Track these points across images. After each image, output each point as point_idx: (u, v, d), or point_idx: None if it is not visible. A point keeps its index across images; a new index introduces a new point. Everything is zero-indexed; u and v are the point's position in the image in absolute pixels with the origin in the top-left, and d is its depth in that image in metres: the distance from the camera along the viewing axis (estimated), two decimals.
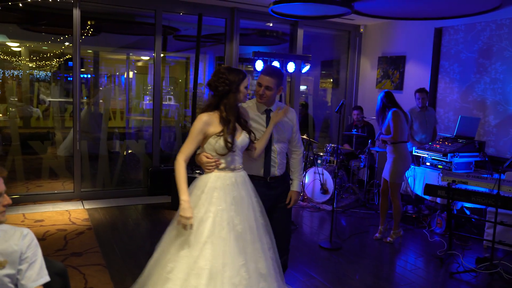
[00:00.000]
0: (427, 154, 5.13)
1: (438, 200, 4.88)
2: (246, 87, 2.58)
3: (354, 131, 6.34)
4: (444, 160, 4.89)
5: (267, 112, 2.90)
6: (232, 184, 2.55)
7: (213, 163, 2.55)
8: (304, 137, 6.22)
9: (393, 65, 6.80)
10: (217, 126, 2.52)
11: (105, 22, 7.65)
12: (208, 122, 2.51)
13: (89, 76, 8.87)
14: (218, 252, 2.36)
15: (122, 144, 7.40)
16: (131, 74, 9.52)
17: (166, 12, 6.08)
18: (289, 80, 7.14)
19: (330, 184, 5.92)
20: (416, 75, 6.45)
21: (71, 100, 8.20)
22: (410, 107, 5.57)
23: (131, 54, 9.38)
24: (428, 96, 5.60)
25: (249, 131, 2.67)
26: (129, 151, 7.14)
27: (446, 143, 5.18)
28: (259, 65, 5.81)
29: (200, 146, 2.60)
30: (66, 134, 6.85)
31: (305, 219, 5.53)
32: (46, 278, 1.86)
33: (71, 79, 9.31)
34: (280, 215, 2.98)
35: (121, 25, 7.87)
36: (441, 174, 4.32)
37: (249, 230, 2.52)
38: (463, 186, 4.19)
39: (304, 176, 6.20)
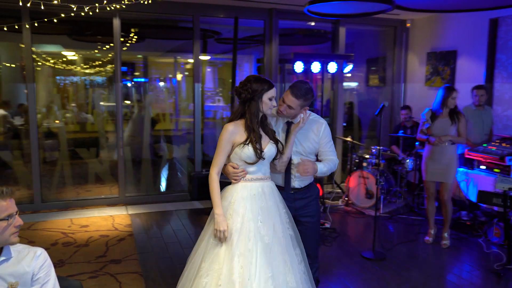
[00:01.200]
0: (482, 157, 4.73)
1: (495, 207, 4.49)
2: (270, 99, 2.48)
3: (401, 132, 6.00)
4: (501, 163, 4.48)
5: (288, 124, 2.75)
6: (259, 194, 2.49)
7: (240, 173, 2.49)
8: (348, 139, 5.98)
9: (443, 61, 6.37)
10: (242, 134, 2.48)
11: (149, 28, 7.80)
12: (234, 131, 2.47)
13: (140, 80, 9.10)
14: (245, 263, 2.30)
15: (166, 148, 7.50)
16: (179, 77, 9.67)
17: (204, 16, 6.06)
18: (330, 78, 6.90)
19: (376, 189, 5.64)
20: (468, 70, 6.00)
21: (126, 103, 8.48)
22: (462, 105, 5.16)
23: (178, 57, 9.54)
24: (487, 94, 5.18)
25: (277, 141, 2.59)
26: (173, 156, 7.24)
27: (504, 144, 4.76)
28: (298, 66, 5.65)
29: None
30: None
31: (348, 225, 5.30)
32: None
33: (125, 83, 9.68)
34: (303, 229, 2.78)
35: (165, 30, 7.99)
36: (496, 180, 3.95)
37: (277, 241, 2.43)
38: None
39: (348, 179, 5.96)
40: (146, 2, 3.97)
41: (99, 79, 8.99)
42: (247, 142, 2.45)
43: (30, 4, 3.46)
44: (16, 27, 5.00)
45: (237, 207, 2.44)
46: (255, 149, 2.43)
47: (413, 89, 7.07)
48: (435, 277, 3.86)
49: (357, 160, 6.14)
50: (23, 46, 7.86)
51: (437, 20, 6.49)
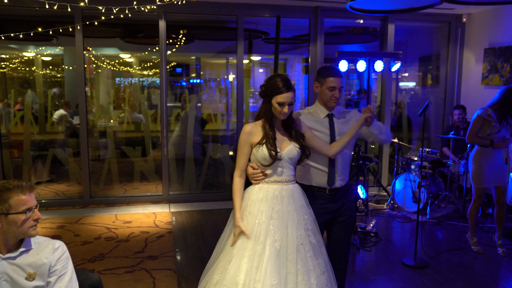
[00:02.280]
0: None
1: None
2: (279, 103, 2.35)
3: (451, 133, 5.66)
4: None
5: (329, 117, 2.70)
6: (276, 197, 2.40)
7: (259, 174, 2.43)
8: (395, 140, 5.73)
9: (502, 57, 5.93)
10: (259, 135, 2.41)
11: (196, 29, 7.95)
12: (251, 132, 2.42)
13: (193, 81, 9.31)
14: (251, 266, 2.24)
15: (212, 148, 7.60)
16: (231, 77, 9.78)
17: (247, 16, 6.06)
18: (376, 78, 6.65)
19: (423, 192, 5.36)
20: None
21: (178, 104, 8.73)
22: None
23: (230, 58, 9.65)
24: None
25: (301, 144, 2.47)
26: (219, 156, 7.32)
27: None
28: (343, 65, 5.49)
29: None
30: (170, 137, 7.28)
31: (393, 230, 5.07)
32: None
33: (178, 84, 9.97)
34: (337, 229, 2.72)
35: (213, 31, 8.09)
36: None
37: (291, 248, 2.33)
38: None
39: (394, 182, 5.71)
40: (183, 2, 4.02)
41: (152, 79, 9.33)
42: (262, 143, 2.39)
43: (82, 10, 3.62)
44: (70, 29, 5.26)
45: (252, 209, 2.38)
46: (268, 150, 2.36)
47: (468, 88, 6.64)
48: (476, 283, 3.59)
49: (404, 162, 5.87)
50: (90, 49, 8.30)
51: (496, 14, 6.05)
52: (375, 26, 6.90)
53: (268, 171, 2.42)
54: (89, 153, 5.87)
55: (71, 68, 8.07)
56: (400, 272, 3.85)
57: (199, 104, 8.50)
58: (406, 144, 5.92)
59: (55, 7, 3.99)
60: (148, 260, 4.04)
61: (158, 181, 6.53)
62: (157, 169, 6.75)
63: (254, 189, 2.43)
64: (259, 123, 2.44)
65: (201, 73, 10.07)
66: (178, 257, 4.13)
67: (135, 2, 4.57)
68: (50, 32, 5.06)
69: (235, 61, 6.03)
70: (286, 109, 2.36)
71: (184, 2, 4.27)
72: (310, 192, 2.62)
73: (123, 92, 9.20)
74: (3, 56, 8.15)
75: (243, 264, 2.24)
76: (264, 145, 2.37)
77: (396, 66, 5.77)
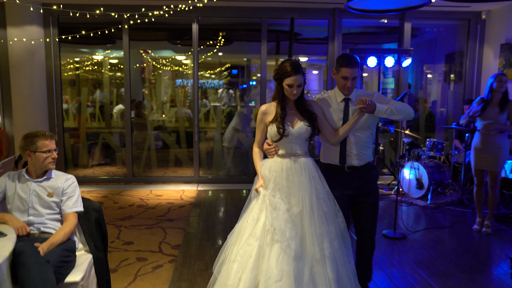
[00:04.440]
0: None
1: None
2: (289, 85, 2.62)
3: (454, 124, 5.95)
4: None
5: (346, 101, 2.87)
6: (287, 169, 2.68)
7: (272, 149, 2.74)
8: (407, 132, 6.12)
9: None
10: (273, 114, 2.72)
11: (235, 32, 8.73)
12: (266, 112, 2.75)
13: (253, 83, 10.11)
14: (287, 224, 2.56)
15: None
16: None
17: (271, 18, 6.77)
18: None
19: (425, 179, 5.73)
20: None
21: (233, 104, 9.61)
22: None
23: (281, 59, 10.37)
24: None
25: (312, 123, 2.74)
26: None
27: None
28: (371, 61, 5.97)
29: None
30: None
31: (391, 211, 5.50)
32: (79, 209, 2.73)
33: (238, 84, 10.84)
34: (359, 208, 2.96)
35: (249, 33, 8.84)
36: None
37: (304, 214, 2.60)
38: None
39: (401, 170, 6.10)
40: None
41: (214, 81, 10.31)
42: (273, 121, 2.71)
43: (128, 16, 4.55)
44: (119, 26, 6.27)
45: (265, 178, 2.68)
46: (277, 127, 2.66)
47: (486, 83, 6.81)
48: (444, 256, 3.98)
49: (415, 153, 6.25)
50: (141, 51, 9.42)
51: None
52: (396, 25, 7.29)
53: (281, 147, 2.74)
54: (144, 143, 6.94)
55: (134, 67, 9.19)
56: (378, 242, 4.33)
57: (252, 103, 9.25)
58: (415, 135, 6.27)
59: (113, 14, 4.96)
60: (166, 221, 4.88)
61: (200, 167, 7.38)
62: (202, 157, 7.61)
63: (268, 162, 2.75)
64: (274, 103, 2.74)
65: (250, 73, 10.75)
66: (191, 221, 4.93)
67: (172, 6, 5.47)
68: (106, 31, 6.07)
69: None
70: (295, 90, 2.62)
71: (215, 3, 5.02)
72: (332, 170, 2.91)
73: (179, 90, 10.20)
74: (77, 59, 9.47)
75: (257, 229, 2.57)
76: (274, 123, 2.68)
77: (407, 62, 6.16)
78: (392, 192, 6.22)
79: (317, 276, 2.53)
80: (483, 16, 6.82)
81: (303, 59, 10.01)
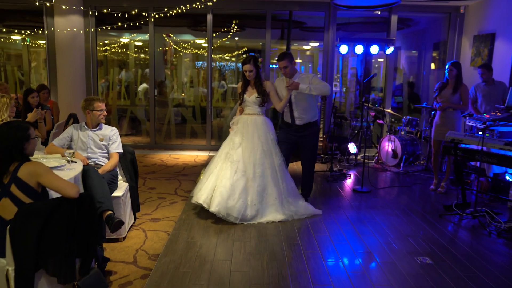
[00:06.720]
0: (474, 123, 5.64)
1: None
2: (244, 71, 4.39)
3: (425, 104, 6.97)
4: (482, 128, 5.36)
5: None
6: (244, 121, 4.54)
7: (241, 109, 4.66)
8: (388, 111, 7.18)
9: (483, 43, 7.05)
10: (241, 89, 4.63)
11: (247, 19, 9.78)
12: (239, 88, 4.66)
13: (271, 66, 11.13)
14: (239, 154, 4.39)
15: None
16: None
17: (275, 10, 7.84)
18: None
19: (399, 150, 6.81)
20: (503, 51, 6.63)
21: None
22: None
23: (295, 44, 11.35)
24: (491, 72, 5.94)
25: (261, 95, 4.46)
26: None
27: (498, 113, 5.56)
28: (343, 48, 7.03)
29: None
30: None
31: (362, 174, 6.61)
32: (120, 150, 3.97)
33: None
34: (303, 155, 4.74)
35: (261, 21, 9.88)
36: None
37: (250, 149, 4.39)
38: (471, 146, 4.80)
39: (380, 143, 7.18)
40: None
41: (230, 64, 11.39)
42: (240, 93, 4.55)
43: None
44: (142, 21, 7.46)
45: (234, 125, 4.55)
46: (239, 96, 4.53)
47: (463, 70, 7.77)
48: (400, 204, 5.10)
49: (393, 129, 7.32)
50: (164, 36, 10.55)
51: (484, 5, 7.16)
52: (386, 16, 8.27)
53: (245, 108, 4.53)
54: (165, 118, 8.22)
55: (157, 50, 10.35)
56: (348, 194, 5.49)
57: None
58: (397, 114, 7.31)
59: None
60: (181, 176, 6.13)
61: (212, 138, 8.62)
62: (214, 130, 8.82)
63: (238, 117, 4.62)
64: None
65: (265, 57, 11.66)
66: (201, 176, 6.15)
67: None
68: (137, 23, 7.28)
69: (299, 48, 7.73)
70: (247, 74, 4.41)
71: None
72: (286, 125, 4.69)
73: (197, 71, 11.32)
74: (106, 41, 10.66)
75: (236, 154, 4.39)
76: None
77: (389, 50, 7.16)
78: (373, 161, 7.32)
79: (249, 187, 4.25)
80: (461, 10, 7.75)
81: (306, 46, 11.04)
